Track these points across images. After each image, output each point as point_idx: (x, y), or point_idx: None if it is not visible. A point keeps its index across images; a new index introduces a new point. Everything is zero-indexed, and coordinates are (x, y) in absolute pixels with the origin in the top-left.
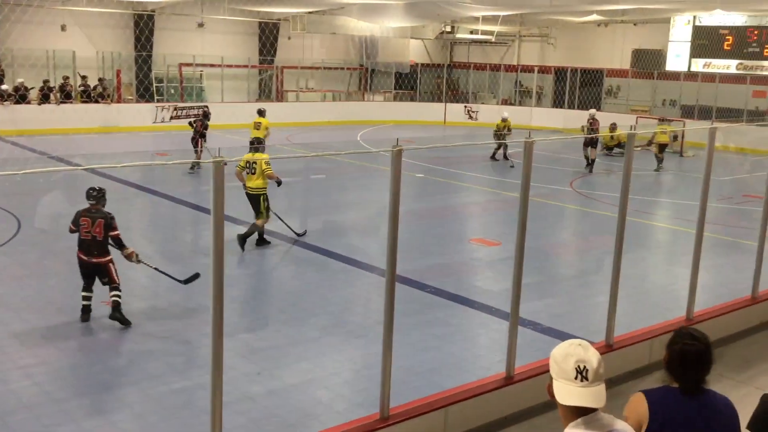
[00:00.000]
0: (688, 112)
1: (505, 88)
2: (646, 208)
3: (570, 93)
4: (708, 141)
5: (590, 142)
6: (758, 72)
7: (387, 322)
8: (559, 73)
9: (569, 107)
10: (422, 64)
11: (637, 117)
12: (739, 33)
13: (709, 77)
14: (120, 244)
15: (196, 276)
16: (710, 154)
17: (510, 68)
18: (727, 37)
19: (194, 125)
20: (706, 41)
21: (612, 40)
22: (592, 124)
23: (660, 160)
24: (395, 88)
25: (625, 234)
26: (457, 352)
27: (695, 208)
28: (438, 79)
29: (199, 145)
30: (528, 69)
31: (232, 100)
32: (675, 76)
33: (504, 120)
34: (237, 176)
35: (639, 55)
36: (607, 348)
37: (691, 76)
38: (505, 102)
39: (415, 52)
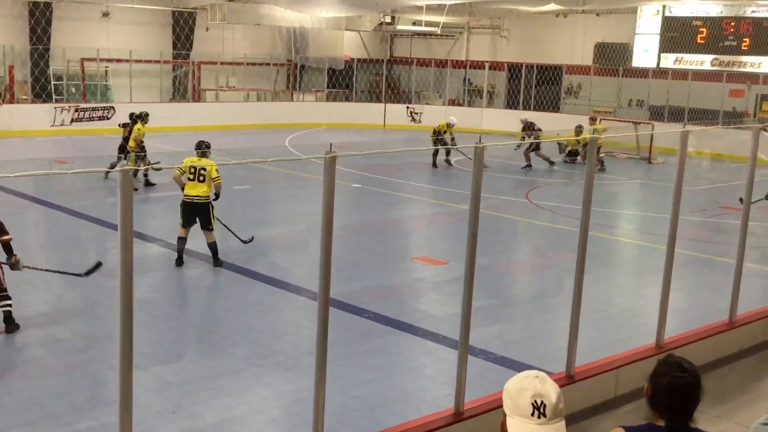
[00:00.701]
0: (657, 114)
1: (453, 86)
2: (611, 222)
3: (525, 92)
4: (680, 146)
5: (536, 148)
6: (735, 68)
7: (319, 352)
8: (513, 69)
9: (524, 108)
10: (359, 60)
11: (600, 119)
12: (714, 25)
13: (681, 74)
14: (9, 250)
15: (98, 266)
16: (682, 160)
17: (458, 64)
18: (701, 30)
19: (125, 128)
20: (677, 34)
21: (572, 32)
22: (531, 127)
23: (598, 163)
24: (328, 87)
25: (587, 250)
26: (399, 384)
27: (666, 222)
28: (376, 76)
29: (125, 152)
30: (478, 65)
31: (142, 100)
32: (642, 73)
33: (450, 125)
34: (176, 181)
35: (602, 50)
36: (567, 380)
37: (660, 73)
38: (452, 102)
39: (350, 45)
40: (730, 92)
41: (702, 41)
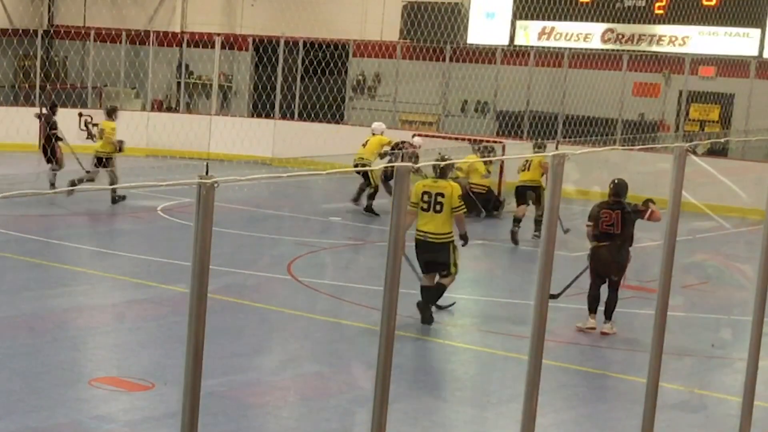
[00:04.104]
0: (510, 125)
1: (160, 78)
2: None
3: (285, 87)
4: (549, 181)
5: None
6: (644, 47)
7: None
8: (265, 49)
9: (286, 116)
10: None
11: (415, 134)
12: None
13: (551, 58)
14: None
15: None
16: (554, 205)
17: (168, 40)
18: None
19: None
20: None
21: None
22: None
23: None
24: None
25: (394, 361)
26: None
27: (525, 310)
28: (26, 59)
29: (57, 153)
30: (203, 42)
31: None
32: (485, 55)
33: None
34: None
35: (415, 16)
36: None
37: (516, 55)
38: (159, 105)
39: None
40: (635, 88)
41: (587, 1)
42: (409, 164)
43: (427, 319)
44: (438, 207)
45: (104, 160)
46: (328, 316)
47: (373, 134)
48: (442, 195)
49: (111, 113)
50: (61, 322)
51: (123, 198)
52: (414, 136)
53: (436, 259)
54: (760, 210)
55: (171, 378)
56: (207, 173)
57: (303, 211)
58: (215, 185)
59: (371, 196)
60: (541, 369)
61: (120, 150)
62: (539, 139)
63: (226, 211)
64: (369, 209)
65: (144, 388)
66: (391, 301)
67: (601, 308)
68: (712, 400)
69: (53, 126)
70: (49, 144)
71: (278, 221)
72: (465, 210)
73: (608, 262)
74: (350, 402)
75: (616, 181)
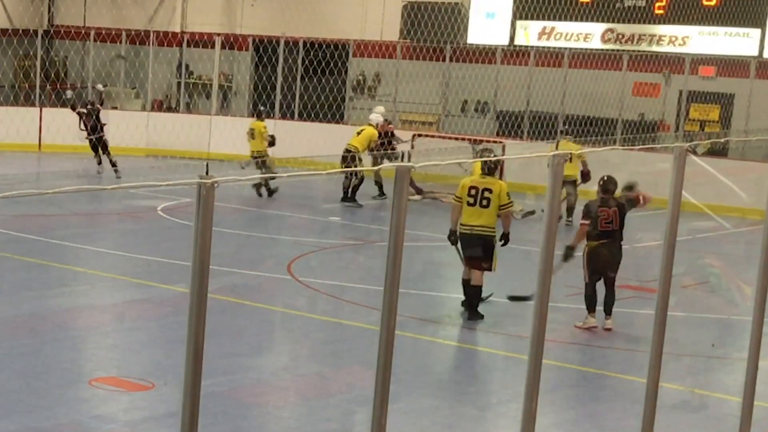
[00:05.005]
0: (510, 125)
1: (160, 78)
2: (433, 312)
3: (286, 87)
4: (549, 181)
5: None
6: (644, 47)
7: None
8: (264, 49)
9: (286, 116)
10: None
11: (415, 135)
12: None
13: (551, 58)
14: None
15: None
16: (554, 205)
17: (168, 40)
18: None
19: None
20: None
21: None
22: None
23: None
24: None
25: (394, 361)
26: None
27: (525, 309)
28: (26, 59)
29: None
30: (203, 42)
31: None
32: (485, 55)
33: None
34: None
35: (415, 16)
36: None
37: (516, 55)
38: (159, 105)
39: None
40: (635, 88)
41: (587, 1)
42: (409, 164)
43: (475, 315)
44: (485, 202)
45: (261, 158)
46: (328, 316)
47: (369, 124)
48: (490, 190)
49: (260, 114)
50: (61, 322)
51: (276, 190)
52: (389, 123)
53: (482, 252)
54: (760, 210)
55: (171, 378)
56: (207, 173)
57: (303, 211)
58: (215, 185)
59: (356, 188)
60: (541, 369)
61: (272, 144)
62: (568, 134)
63: (226, 211)
64: (351, 199)
65: (144, 388)
66: (391, 301)
67: (599, 307)
68: (712, 400)
69: (98, 116)
70: (100, 140)
71: (278, 221)
72: (513, 207)
73: (609, 259)
74: (350, 402)
75: (605, 178)
